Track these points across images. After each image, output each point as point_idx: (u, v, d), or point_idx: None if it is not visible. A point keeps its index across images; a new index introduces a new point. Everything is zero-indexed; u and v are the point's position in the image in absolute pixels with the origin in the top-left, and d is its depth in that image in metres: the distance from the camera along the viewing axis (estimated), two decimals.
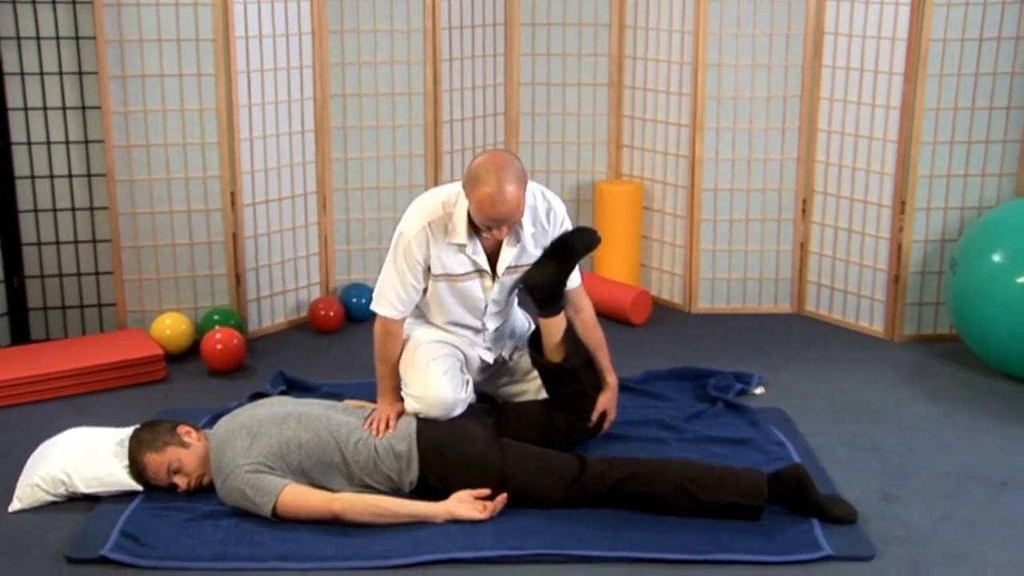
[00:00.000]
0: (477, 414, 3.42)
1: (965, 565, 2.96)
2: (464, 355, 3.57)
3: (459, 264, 3.42)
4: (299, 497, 3.10)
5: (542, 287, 3.44)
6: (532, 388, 3.66)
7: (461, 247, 3.38)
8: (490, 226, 3.26)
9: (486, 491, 3.15)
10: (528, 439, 3.34)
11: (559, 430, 3.49)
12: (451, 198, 3.39)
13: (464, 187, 3.28)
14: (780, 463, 3.40)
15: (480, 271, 3.45)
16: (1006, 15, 4.32)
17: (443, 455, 3.22)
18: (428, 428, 3.28)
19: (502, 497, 3.13)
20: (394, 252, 3.42)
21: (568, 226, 3.52)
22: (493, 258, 3.46)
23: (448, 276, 3.43)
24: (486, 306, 3.52)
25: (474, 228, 3.36)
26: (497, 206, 3.19)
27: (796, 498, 3.12)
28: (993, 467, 3.50)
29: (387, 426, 3.30)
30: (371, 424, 3.30)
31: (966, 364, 4.32)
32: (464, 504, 3.11)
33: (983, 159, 4.46)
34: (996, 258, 4.07)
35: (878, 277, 4.64)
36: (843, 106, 4.64)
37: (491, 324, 3.60)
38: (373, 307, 3.48)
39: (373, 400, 3.54)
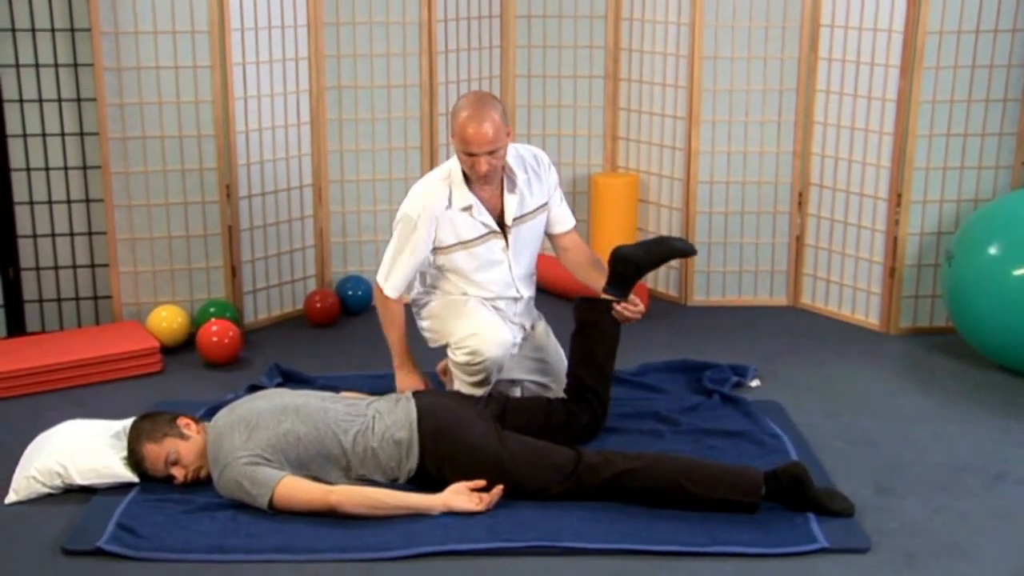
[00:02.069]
0: (477, 406, 3.42)
1: (959, 557, 2.96)
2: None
3: (469, 228, 3.53)
4: (295, 489, 3.10)
5: (623, 261, 3.56)
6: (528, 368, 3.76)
7: (467, 209, 3.49)
8: (474, 153, 3.37)
9: (482, 483, 3.15)
10: (528, 433, 3.34)
11: (559, 425, 3.49)
12: (445, 171, 3.55)
13: (450, 131, 3.44)
14: (776, 455, 3.41)
15: (491, 231, 3.54)
16: (1003, 7, 4.32)
17: (443, 441, 3.22)
18: (429, 414, 3.29)
19: (498, 489, 3.14)
20: (400, 233, 3.53)
21: (555, 174, 3.69)
22: (500, 218, 3.56)
23: (463, 243, 3.54)
24: (510, 266, 3.60)
25: (469, 185, 3.50)
26: (479, 126, 3.34)
27: (793, 496, 3.12)
28: (988, 459, 3.51)
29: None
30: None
31: (961, 357, 4.33)
32: (460, 496, 3.12)
33: (979, 152, 4.46)
34: (992, 251, 4.07)
35: (874, 270, 4.64)
36: (839, 99, 4.64)
37: (525, 290, 3.69)
38: (384, 286, 3.58)
39: (370, 392, 3.54)
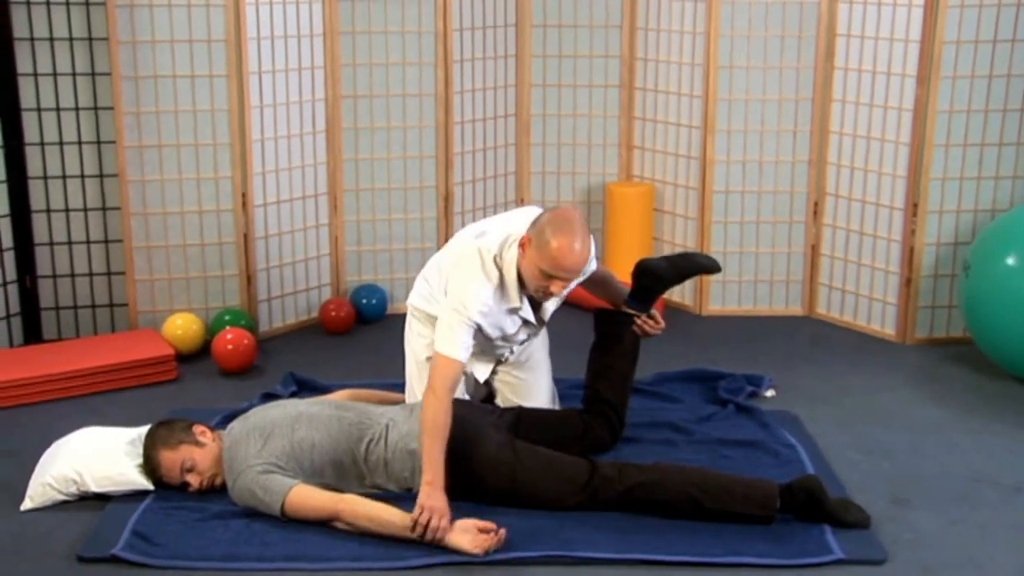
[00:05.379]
0: (491, 416, 3.41)
1: (975, 569, 2.95)
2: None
3: (511, 324, 3.42)
4: (306, 497, 3.10)
5: (647, 274, 3.56)
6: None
7: (514, 311, 3.38)
8: (554, 276, 3.18)
9: (492, 525, 3.02)
10: (543, 444, 3.32)
11: (575, 436, 3.49)
12: (495, 278, 3.31)
13: (529, 243, 3.20)
14: (790, 466, 3.40)
15: (525, 321, 3.46)
16: (1020, 17, 4.31)
17: (456, 452, 3.20)
18: None
19: (501, 532, 3.01)
20: (457, 321, 3.24)
21: (593, 266, 3.48)
22: (537, 310, 3.47)
23: (503, 334, 3.43)
24: (518, 334, 3.51)
25: (521, 285, 3.33)
26: (568, 258, 3.15)
27: (808, 510, 3.11)
28: (1004, 471, 3.49)
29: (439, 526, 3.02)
30: (422, 528, 2.99)
31: (978, 367, 4.31)
32: (466, 535, 2.99)
33: (996, 162, 4.45)
34: (1010, 261, 4.05)
35: (890, 280, 4.63)
36: (855, 108, 4.63)
37: (510, 353, 3.62)
38: (450, 353, 3.21)
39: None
